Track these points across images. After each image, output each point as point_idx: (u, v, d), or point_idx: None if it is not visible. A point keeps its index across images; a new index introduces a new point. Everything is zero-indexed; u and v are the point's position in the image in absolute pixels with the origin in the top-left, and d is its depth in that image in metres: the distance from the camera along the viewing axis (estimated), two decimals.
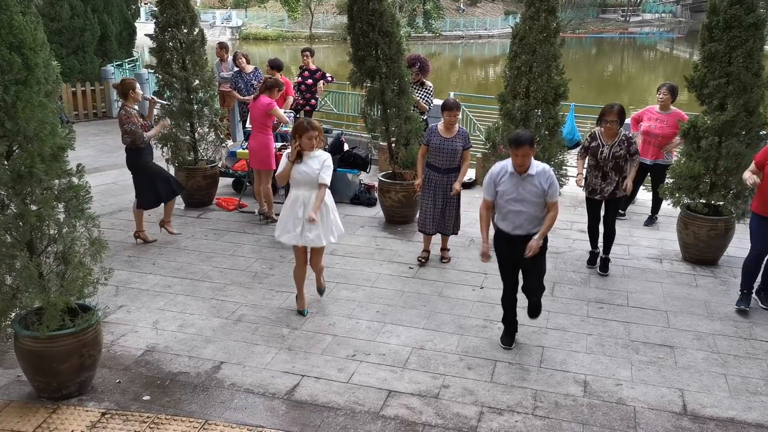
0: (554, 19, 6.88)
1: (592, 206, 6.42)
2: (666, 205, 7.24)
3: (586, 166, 6.35)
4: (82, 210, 4.22)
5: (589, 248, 6.59)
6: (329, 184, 5.26)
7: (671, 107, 7.59)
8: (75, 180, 4.20)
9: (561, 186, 6.93)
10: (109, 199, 8.53)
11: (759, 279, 5.86)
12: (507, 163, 4.80)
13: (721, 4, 6.18)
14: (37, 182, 3.97)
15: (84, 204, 4.22)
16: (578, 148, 6.50)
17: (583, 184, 6.38)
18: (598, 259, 6.52)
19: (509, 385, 4.58)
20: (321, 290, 5.76)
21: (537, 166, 4.75)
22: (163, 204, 7.15)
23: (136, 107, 6.88)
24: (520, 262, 4.90)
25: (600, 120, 6.18)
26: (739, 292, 5.76)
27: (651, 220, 7.95)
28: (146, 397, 4.40)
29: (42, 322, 4.10)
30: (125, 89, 6.77)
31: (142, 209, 7.08)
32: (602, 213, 6.42)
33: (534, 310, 5.15)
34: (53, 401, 4.32)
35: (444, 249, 6.76)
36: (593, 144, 6.23)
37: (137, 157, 6.85)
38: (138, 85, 6.92)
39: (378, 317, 5.52)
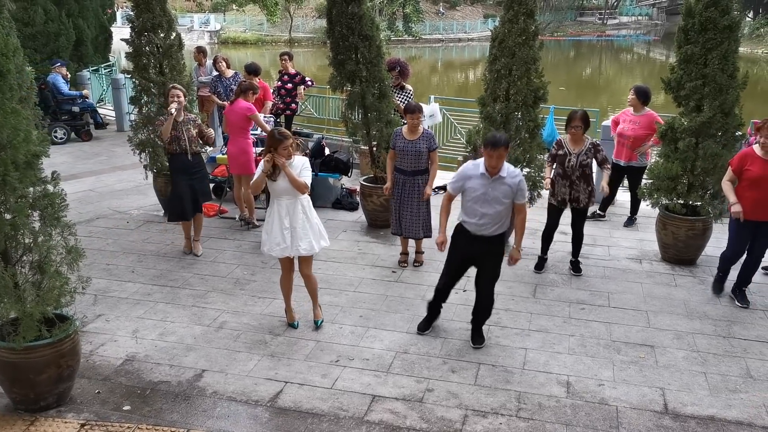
0: (533, 22, 6.91)
1: (552, 211, 6.46)
2: (645, 206, 7.31)
3: (553, 174, 6.39)
4: (58, 218, 4.15)
5: (539, 253, 6.61)
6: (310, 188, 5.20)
7: (645, 108, 7.66)
8: (50, 188, 4.12)
9: (540, 188, 6.97)
10: (87, 206, 8.41)
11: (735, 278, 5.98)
12: (480, 163, 4.86)
13: (697, 7, 6.26)
14: (11, 190, 3.90)
15: (60, 212, 4.15)
16: (547, 155, 6.55)
17: (550, 187, 6.39)
18: (569, 262, 6.59)
19: (493, 388, 4.59)
20: (317, 321, 5.41)
21: (508, 168, 4.83)
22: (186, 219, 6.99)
23: (190, 115, 6.74)
24: (473, 261, 5.05)
25: (567, 126, 6.24)
26: (714, 276, 5.97)
27: (630, 221, 8.02)
28: (127, 407, 4.33)
29: (18, 333, 4.02)
30: (165, 92, 6.78)
31: (170, 221, 7.07)
32: (563, 219, 6.47)
33: (477, 311, 5.15)
34: (31, 413, 4.23)
35: (418, 252, 6.77)
36: (560, 152, 6.27)
37: (171, 165, 6.77)
38: (174, 92, 6.54)
39: (361, 322, 5.50)
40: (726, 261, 5.93)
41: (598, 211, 8.19)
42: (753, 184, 5.49)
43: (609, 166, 6.34)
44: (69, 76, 12.41)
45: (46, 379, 4.17)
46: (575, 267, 6.53)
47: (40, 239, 4.11)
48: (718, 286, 5.98)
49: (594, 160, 6.21)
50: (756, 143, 5.58)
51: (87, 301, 5.63)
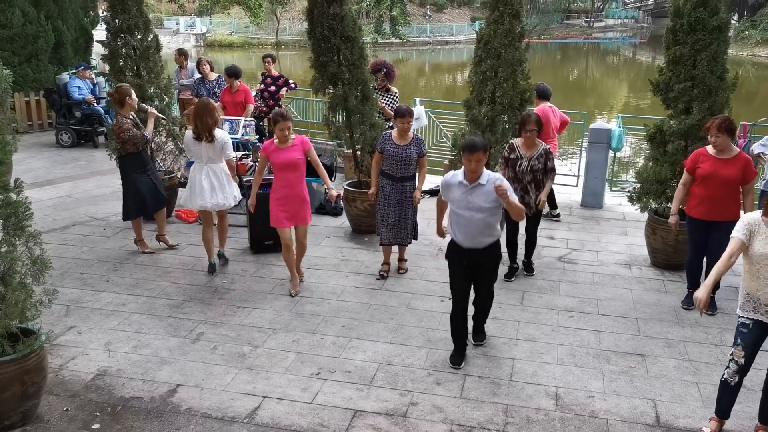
0: (519, 23, 6.79)
1: (510, 218, 6.27)
2: (634, 210, 7.18)
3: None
4: (22, 228, 3.95)
5: (508, 262, 6.38)
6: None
7: (542, 104, 7.84)
8: (13, 196, 3.92)
9: None
10: (62, 212, 8.17)
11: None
12: (458, 172, 4.72)
13: (685, 7, 6.16)
14: None
15: (24, 221, 3.95)
16: (500, 160, 6.40)
17: None
18: (522, 263, 6.47)
19: (479, 401, 4.42)
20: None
21: (488, 174, 4.62)
22: (145, 216, 6.94)
23: (132, 115, 6.57)
24: (472, 274, 4.83)
25: (521, 130, 6.07)
26: (687, 291, 5.95)
27: (550, 216, 8.02)
28: (96, 426, 4.12)
29: None
30: (121, 96, 6.45)
31: (127, 220, 6.88)
32: (524, 224, 6.33)
33: (476, 313, 5.11)
34: None
35: (401, 260, 6.57)
36: (512, 156, 6.13)
37: (128, 164, 6.61)
38: (133, 93, 6.57)
39: (344, 332, 5.32)
40: (687, 269, 5.94)
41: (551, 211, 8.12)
42: (703, 182, 5.55)
43: (553, 177, 6.21)
44: (94, 79, 12.23)
45: (9, 397, 3.96)
46: (528, 267, 6.44)
47: (4, 249, 3.92)
48: (688, 300, 5.84)
49: (544, 166, 6.05)
50: (745, 146, 5.51)
51: (59, 313, 5.42)
